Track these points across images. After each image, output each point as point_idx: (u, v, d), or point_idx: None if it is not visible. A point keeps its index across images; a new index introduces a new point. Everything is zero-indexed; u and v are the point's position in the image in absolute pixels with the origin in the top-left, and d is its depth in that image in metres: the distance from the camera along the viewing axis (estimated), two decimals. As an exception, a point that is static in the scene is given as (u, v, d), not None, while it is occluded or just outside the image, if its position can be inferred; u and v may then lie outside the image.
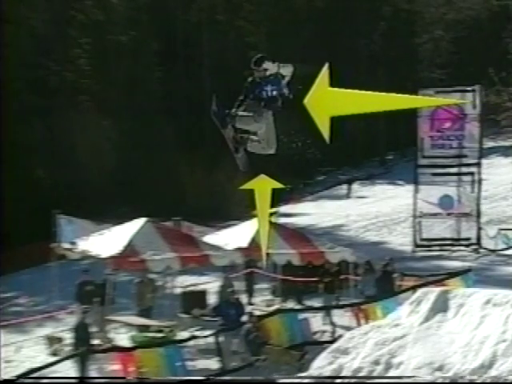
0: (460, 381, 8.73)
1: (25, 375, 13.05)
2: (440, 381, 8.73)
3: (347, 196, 40.05)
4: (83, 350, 14.60)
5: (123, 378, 13.54)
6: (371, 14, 45.62)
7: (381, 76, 44.87)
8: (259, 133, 7.18)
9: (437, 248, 27.06)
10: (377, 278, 18.84)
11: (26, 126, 31.86)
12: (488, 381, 8.65)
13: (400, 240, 29.05)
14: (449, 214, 27.20)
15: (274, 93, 7.10)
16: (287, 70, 7.14)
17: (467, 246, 26.92)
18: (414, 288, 15.24)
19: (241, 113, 7.02)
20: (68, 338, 16.22)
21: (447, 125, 27.54)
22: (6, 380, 9.76)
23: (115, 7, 36.87)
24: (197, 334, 16.35)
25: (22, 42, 32.25)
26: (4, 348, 17.29)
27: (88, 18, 35.90)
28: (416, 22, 47.59)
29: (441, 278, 17.91)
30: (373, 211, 34.42)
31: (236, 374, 14.96)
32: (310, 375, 10.92)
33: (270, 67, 7.05)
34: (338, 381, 9.85)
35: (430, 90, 27.97)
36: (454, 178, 27.35)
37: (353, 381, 9.63)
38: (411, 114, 28.38)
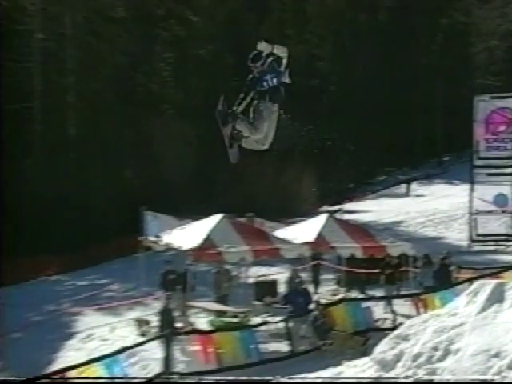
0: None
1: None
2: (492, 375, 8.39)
3: (406, 194, 39.40)
4: (168, 331, 14.80)
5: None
6: (429, 26, 44.83)
7: (438, 83, 44.04)
8: (259, 129, 6.82)
9: (492, 243, 26.44)
10: (435, 271, 18.50)
11: (116, 132, 32.58)
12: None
13: (457, 235, 28.43)
14: (503, 211, 26.58)
15: (275, 81, 6.78)
16: (282, 51, 6.78)
17: (521, 241, 26.22)
18: (470, 280, 14.90)
19: (243, 117, 6.73)
20: (154, 320, 16.45)
21: (502, 128, 26.92)
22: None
23: (195, 24, 37.30)
24: (268, 319, 16.38)
25: (114, 58, 33.00)
26: (100, 328, 17.74)
27: (171, 34, 36.44)
28: (472, 32, 46.47)
29: (496, 270, 17.44)
30: (431, 208, 33.76)
31: (304, 357, 14.92)
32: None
33: (264, 47, 6.68)
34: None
35: (485, 96, 27.46)
36: (509, 177, 26.70)
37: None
38: (467, 119, 27.88)
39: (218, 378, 13.06)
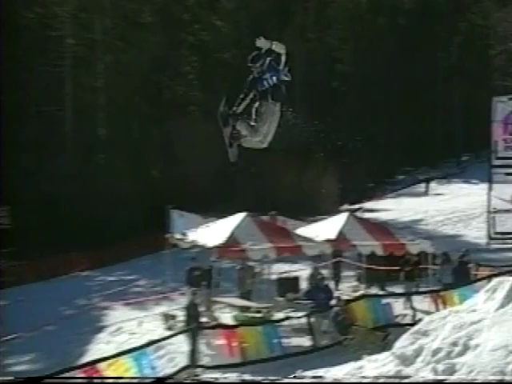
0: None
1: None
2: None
3: (425, 193, 39.17)
4: (194, 326, 14.84)
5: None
6: (448, 29, 44.50)
7: (457, 85, 43.68)
8: (258, 132, 6.78)
9: (510, 241, 26.16)
10: (454, 268, 18.36)
11: (144, 132, 32.80)
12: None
13: (475, 233, 28.18)
14: (521, 210, 26.35)
15: (274, 79, 6.70)
16: (280, 47, 6.71)
17: (539, 239, 25.93)
18: (489, 277, 14.76)
19: (244, 119, 6.68)
20: (180, 315, 16.49)
21: (520, 128, 26.67)
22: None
23: (219, 29, 37.39)
24: (291, 314, 16.35)
25: (142, 62, 33.21)
26: (128, 322, 17.86)
27: (197, 39, 36.57)
28: (490, 35, 46.04)
29: (514, 268, 17.25)
30: (449, 207, 33.53)
31: (326, 352, 14.89)
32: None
33: (263, 44, 6.64)
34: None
35: (504, 97, 27.25)
36: (527, 177, 26.45)
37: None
38: (486, 119, 27.64)
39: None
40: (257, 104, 6.76)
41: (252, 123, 6.77)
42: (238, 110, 6.75)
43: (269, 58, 6.72)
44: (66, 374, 11.80)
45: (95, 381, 11.46)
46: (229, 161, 7.06)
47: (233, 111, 6.75)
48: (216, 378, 12.63)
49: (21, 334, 15.67)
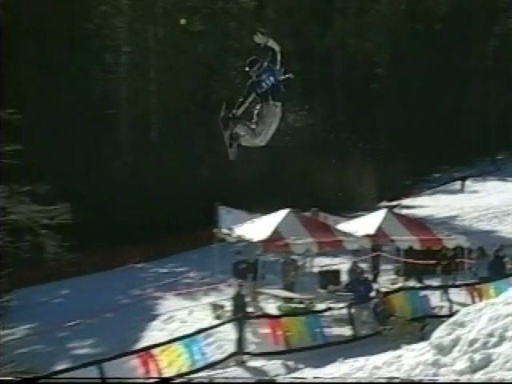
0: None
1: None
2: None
3: (461, 191, 38.49)
4: (240, 315, 14.95)
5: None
6: (483, 33, 43.65)
7: (492, 87, 42.81)
8: (258, 134, 6.73)
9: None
10: (489, 262, 18.07)
11: (193, 134, 33.08)
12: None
13: (510, 229, 27.58)
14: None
15: (272, 79, 6.60)
16: (275, 44, 6.66)
17: None
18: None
19: (244, 122, 6.63)
20: (228, 305, 16.64)
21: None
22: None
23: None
24: (332, 306, 16.33)
25: (191, 68, 33.51)
26: (180, 311, 18.09)
27: (242, 45, 36.66)
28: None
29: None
30: (484, 204, 32.86)
31: (366, 341, 14.82)
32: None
33: (261, 40, 6.59)
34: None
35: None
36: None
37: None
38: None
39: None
40: (258, 106, 6.72)
41: (252, 126, 6.77)
42: (237, 113, 6.74)
43: (265, 62, 6.66)
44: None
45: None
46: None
47: (233, 114, 6.72)
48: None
49: (82, 320, 16.03)
